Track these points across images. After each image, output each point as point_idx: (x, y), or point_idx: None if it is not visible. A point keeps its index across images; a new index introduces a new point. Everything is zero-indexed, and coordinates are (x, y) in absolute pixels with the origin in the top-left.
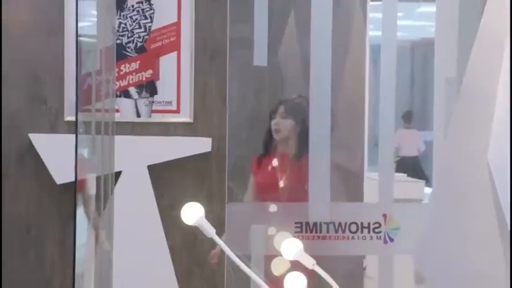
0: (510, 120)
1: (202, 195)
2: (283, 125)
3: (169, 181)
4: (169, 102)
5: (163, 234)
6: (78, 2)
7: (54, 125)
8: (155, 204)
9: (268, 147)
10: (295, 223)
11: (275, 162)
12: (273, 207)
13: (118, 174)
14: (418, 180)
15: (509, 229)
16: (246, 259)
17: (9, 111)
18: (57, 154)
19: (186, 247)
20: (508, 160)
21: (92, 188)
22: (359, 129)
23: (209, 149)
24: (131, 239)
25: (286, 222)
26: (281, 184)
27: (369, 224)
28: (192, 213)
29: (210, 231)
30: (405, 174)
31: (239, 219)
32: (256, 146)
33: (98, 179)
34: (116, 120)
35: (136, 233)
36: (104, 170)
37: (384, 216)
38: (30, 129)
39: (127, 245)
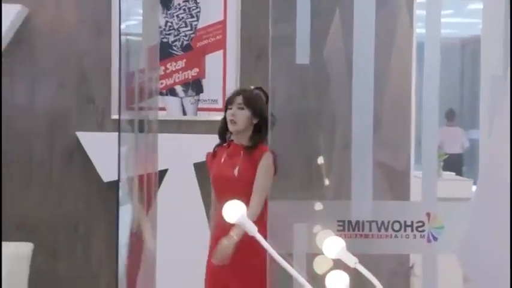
0: (510, 121)
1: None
2: (239, 117)
3: None
4: (215, 101)
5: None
6: (123, 1)
7: (101, 123)
8: (201, 202)
9: (224, 138)
10: (338, 221)
11: (229, 153)
12: (316, 205)
13: (164, 172)
14: (466, 178)
15: None
16: (289, 257)
17: (57, 110)
18: (104, 152)
19: None
20: None
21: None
22: (405, 127)
23: None
24: (177, 237)
25: (328, 220)
26: (234, 175)
27: (412, 222)
28: (234, 211)
29: (251, 229)
30: (453, 173)
31: (281, 217)
32: (301, 144)
33: (141, 177)
34: (162, 118)
35: (182, 230)
36: (147, 168)
37: (428, 215)
38: (77, 127)
39: (172, 243)
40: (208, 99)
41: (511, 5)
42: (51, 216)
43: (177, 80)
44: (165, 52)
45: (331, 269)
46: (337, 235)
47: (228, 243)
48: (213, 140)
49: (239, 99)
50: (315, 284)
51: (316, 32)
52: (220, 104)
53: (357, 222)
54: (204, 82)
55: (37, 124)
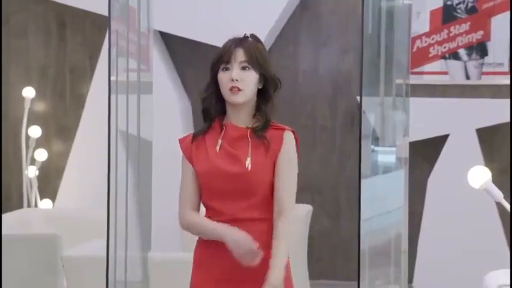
0: (510, 119)
1: None
2: (246, 81)
3: (499, 145)
4: (501, 64)
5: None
6: None
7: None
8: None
9: (211, 117)
10: None
11: (228, 137)
12: None
13: (445, 138)
14: None
15: None
16: None
17: (341, 75)
18: (383, 117)
19: None
20: None
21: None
22: None
23: None
24: (455, 204)
25: None
26: (246, 170)
27: None
28: (479, 176)
29: (497, 195)
30: None
31: None
32: None
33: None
34: (444, 82)
35: (461, 197)
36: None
37: None
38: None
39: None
40: (494, 63)
41: (511, 5)
42: (334, 179)
43: (460, 44)
44: (449, 15)
45: None
46: None
47: None
48: (499, 105)
49: (240, 54)
50: None
51: None
52: (505, 67)
53: None
54: (489, 45)
55: (321, 89)
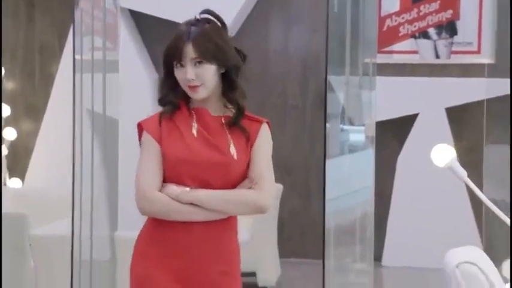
0: (510, 119)
1: (506, 138)
2: (203, 77)
3: (469, 123)
4: (470, 43)
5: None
6: None
7: (350, 67)
8: (453, 146)
9: (173, 102)
10: None
11: (204, 124)
12: None
13: (415, 117)
14: None
15: None
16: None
17: (310, 54)
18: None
19: None
20: None
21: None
22: None
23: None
24: (428, 184)
25: None
26: (233, 158)
27: None
28: (443, 155)
29: (461, 174)
30: None
31: (499, 162)
32: None
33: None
34: (414, 62)
35: (431, 177)
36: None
37: None
38: (329, 71)
39: (427, 189)
40: (463, 42)
41: (511, 5)
42: (304, 159)
43: (430, 23)
44: None
45: None
46: None
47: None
48: (468, 84)
49: (190, 51)
50: None
51: None
52: (475, 47)
53: None
54: (459, 24)
55: (291, 68)
